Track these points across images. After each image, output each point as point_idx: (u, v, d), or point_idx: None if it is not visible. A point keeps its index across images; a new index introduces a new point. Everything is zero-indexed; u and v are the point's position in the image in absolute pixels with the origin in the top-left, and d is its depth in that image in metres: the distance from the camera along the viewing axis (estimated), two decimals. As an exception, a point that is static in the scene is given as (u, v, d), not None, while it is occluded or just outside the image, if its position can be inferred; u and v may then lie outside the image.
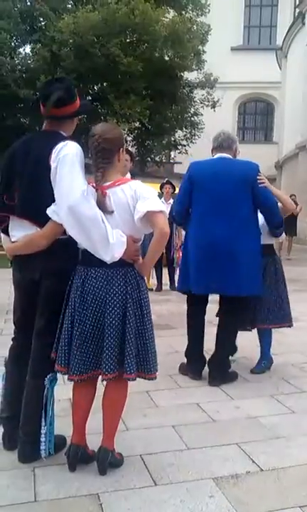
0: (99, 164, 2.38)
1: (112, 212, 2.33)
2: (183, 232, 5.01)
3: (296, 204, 14.24)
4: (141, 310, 2.43)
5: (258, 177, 3.71)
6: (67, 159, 2.33)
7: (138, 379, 2.46)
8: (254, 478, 2.45)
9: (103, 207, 2.31)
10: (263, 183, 3.70)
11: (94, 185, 2.36)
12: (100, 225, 2.26)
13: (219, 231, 3.61)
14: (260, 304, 3.92)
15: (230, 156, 3.92)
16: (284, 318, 4.03)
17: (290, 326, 4.12)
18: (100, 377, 2.43)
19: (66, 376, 2.46)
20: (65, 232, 2.36)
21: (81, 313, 2.39)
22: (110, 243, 2.28)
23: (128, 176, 4.18)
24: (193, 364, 3.94)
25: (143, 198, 2.34)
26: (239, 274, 3.64)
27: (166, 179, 8.72)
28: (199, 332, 3.95)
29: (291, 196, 14.54)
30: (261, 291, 3.82)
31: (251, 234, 3.73)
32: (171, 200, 7.41)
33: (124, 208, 2.36)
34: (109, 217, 2.32)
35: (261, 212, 3.80)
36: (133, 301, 2.41)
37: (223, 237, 3.60)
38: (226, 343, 3.92)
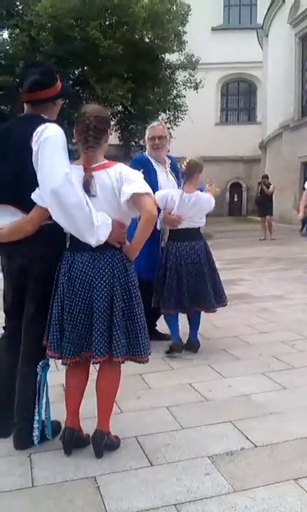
0: (89, 143, 2.35)
1: (95, 195, 2.30)
2: None
3: (268, 185, 14.23)
4: (129, 293, 2.42)
5: None
6: (48, 141, 2.29)
7: (130, 362, 2.47)
8: (249, 454, 2.48)
9: (88, 188, 2.28)
10: None
11: (84, 164, 2.32)
12: (84, 208, 2.23)
13: None
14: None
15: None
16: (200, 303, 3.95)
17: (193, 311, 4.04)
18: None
19: (58, 361, 2.46)
20: (50, 217, 2.33)
21: (70, 298, 2.38)
22: (94, 225, 2.25)
23: None
24: None
25: (128, 181, 2.31)
26: None
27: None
28: None
29: (263, 178, 14.66)
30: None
31: None
32: None
33: (109, 191, 2.34)
34: (93, 200, 2.29)
35: None
36: (121, 284, 2.39)
37: None
38: None
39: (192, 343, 4.11)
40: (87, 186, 2.28)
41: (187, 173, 3.88)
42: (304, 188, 8.88)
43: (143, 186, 2.32)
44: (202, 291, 3.90)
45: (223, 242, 13.03)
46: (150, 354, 2.52)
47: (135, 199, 2.30)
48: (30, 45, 14.80)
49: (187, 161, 3.88)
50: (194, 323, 4.13)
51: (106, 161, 2.43)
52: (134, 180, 2.32)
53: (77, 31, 14.43)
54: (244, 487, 2.20)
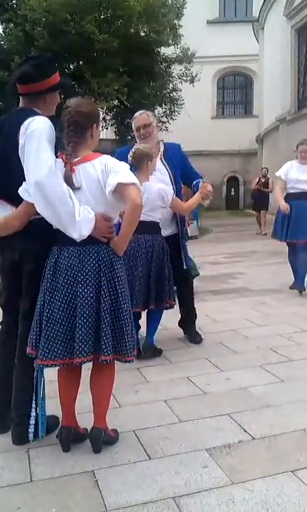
0: (70, 138, 2.32)
1: (79, 188, 2.27)
2: None
3: (267, 178, 14.12)
4: (116, 289, 2.36)
5: None
6: (34, 134, 2.27)
7: None
8: (247, 446, 2.49)
9: (70, 182, 2.25)
10: None
11: (64, 159, 2.30)
12: (67, 202, 2.20)
13: None
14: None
15: None
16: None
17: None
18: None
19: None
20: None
21: (52, 293, 2.33)
22: (76, 220, 2.21)
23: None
24: None
25: (114, 172, 2.28)
26: None
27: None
28: None
29: (262, 169, 14.54)
30: None
31: None
32: None
33: (95, 183, 2.30)
34: (78, 193, 2.27)
35: None
36: (107, 279, 2.34)
37: None
38: None
39: (144, 346, 3.81)
40: (68, 180, 2.25)
41: (135, 165, 3.52)
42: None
43: (128, 176, 2.28)
44: (139, 289, 3.62)
45: (222, 236, 13.00)
46: (134, 355, 2.45)
47: (120, 189, 2.26)
48: (25, 39, 14.68)
49: (133, 150, 3.59)
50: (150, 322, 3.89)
51: (91, 153, 2.39)
52: (119, 171, 2.28)
53: (72, 26, 14.31)
54: (242, 479, 2.20)
